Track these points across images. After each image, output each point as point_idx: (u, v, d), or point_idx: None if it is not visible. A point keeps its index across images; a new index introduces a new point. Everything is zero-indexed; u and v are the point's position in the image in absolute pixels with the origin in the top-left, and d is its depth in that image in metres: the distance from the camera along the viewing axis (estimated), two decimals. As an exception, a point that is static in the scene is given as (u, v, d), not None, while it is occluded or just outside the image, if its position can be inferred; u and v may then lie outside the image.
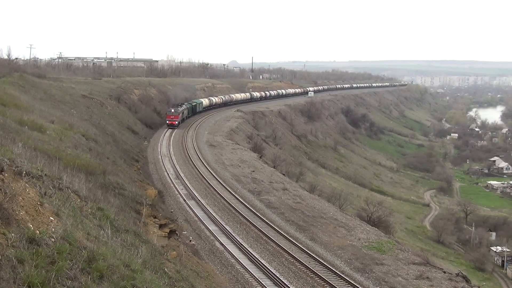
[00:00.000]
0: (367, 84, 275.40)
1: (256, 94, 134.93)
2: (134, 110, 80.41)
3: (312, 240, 33.81)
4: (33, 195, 10.96)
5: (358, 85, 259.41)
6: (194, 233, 32.64)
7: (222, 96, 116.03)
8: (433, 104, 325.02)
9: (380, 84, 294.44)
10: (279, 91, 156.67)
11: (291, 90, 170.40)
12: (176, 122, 79.59)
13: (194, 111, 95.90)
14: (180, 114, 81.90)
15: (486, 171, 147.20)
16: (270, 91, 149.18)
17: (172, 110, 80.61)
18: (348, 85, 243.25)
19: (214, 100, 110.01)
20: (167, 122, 79.68)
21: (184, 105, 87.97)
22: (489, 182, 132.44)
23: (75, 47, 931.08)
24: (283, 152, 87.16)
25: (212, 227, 33.77)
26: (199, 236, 32.08)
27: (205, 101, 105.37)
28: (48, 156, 20.89)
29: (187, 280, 16.21)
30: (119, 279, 9.80)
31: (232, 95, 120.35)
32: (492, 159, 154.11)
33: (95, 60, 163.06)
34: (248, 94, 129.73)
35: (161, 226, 24.43)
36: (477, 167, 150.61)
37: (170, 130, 75.91)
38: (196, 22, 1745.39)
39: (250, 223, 35.30)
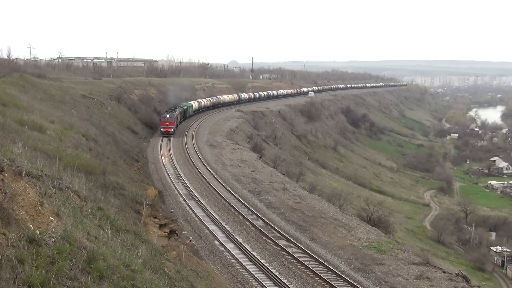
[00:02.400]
0: (362, 85, 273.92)
1: (244, 95, 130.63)
2: (134, 110, 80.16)
3: (312, 240, 33.81)
4: (33, 195, 10.96)
5: (353, 85, 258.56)
6: (194, 233, 32.65)
7: (210, 98, 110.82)
8: (433, 104, 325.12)
9: (374, 85, 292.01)
10: (270, 92, 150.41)
11: (283, 91, 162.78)
12: (172, 130, 70.83)
13: (185, 116, 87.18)
14: (176, 120, 74.01)
15: (486, 171, 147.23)
16: (260, 92, 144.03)
17: (167, 116, 71.35)
18: (343, 85, 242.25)
19: (203, 103, 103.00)
20: (161, 129, 70.70)
21: (177, 109, 79.39)
22: (489, 182, 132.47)
23: (75, 47, 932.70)
24: (283, 152, 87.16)
25: (212, 227, 33.77)
26: (199, 236, 32.08)
27: (195, 104, 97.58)
28: (48, 156, 20.89)
29: (187, 280, 16.21)
30: (119, 279, 9.80)
31: (220, 97, 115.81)
32: (492, 159, 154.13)
33: (95, 60, 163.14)
34: (235, 95, 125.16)
35: (161, 226, 24.42)
36: (477, 167, 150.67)
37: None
38: (196, 22, 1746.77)
39: (250, 223, 35.31)
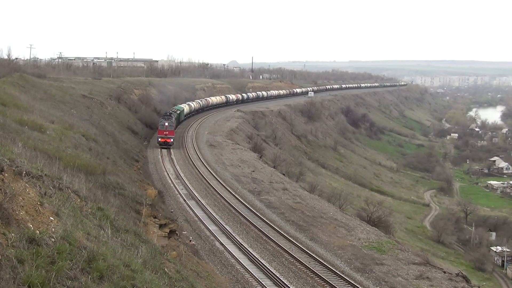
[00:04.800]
0: (356, 85, 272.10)
1: (232, 97, 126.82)
2: (134, 110, 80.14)
3: (312, 240, 33.80)
4: (33, 195, 10.95)
5: (348, 85, 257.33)
6: (194, 233, 32.64)
7: (199, 101, 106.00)
8: (433, 104, 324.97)
9: (369, 85, 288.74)
10: (259, 92, 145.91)
11: (274, 92, 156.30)
12: (172, 140, 61.07)
13: (179, 121, 78.04)
14: (174, 128, 65.73)
15: (486, 171, 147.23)
16: (248, 94, 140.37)
17: (166, 124, 60.93)
18: (338, 86, 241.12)
19: (193, 106, 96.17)
20: (159, 139, 60.91)
21: (173, 115, 69.28)
22: (489, 182, 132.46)
23: (75, 47, 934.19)
24: (283, 152, 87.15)
25: (212, 227, 33.77)
26: (199, 236, 32.07)
27: (186, 108, 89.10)
28: (48, 156, 20.89)
29: (187, 280, 16.20)
30: (119, 279, 9.79)
31: (208, 99, 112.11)
32: (492, 159, 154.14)
33: (95, 60, 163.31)
34: (223, 97, 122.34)
35: (161, 226, 24.42)
36: (477, 167, 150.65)
37: None
38: (196, 22, 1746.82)
39: (250, 223, 35.30)
